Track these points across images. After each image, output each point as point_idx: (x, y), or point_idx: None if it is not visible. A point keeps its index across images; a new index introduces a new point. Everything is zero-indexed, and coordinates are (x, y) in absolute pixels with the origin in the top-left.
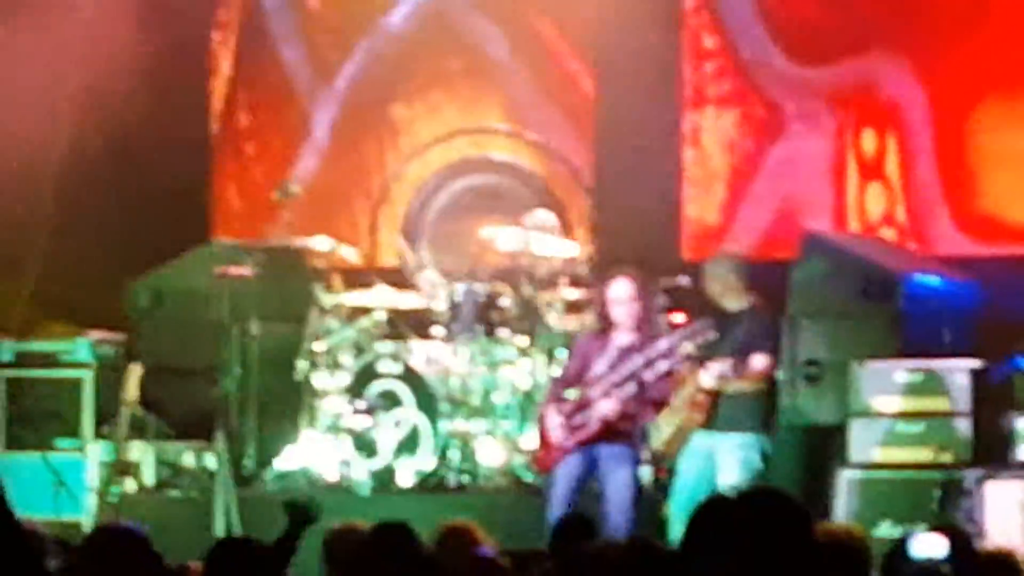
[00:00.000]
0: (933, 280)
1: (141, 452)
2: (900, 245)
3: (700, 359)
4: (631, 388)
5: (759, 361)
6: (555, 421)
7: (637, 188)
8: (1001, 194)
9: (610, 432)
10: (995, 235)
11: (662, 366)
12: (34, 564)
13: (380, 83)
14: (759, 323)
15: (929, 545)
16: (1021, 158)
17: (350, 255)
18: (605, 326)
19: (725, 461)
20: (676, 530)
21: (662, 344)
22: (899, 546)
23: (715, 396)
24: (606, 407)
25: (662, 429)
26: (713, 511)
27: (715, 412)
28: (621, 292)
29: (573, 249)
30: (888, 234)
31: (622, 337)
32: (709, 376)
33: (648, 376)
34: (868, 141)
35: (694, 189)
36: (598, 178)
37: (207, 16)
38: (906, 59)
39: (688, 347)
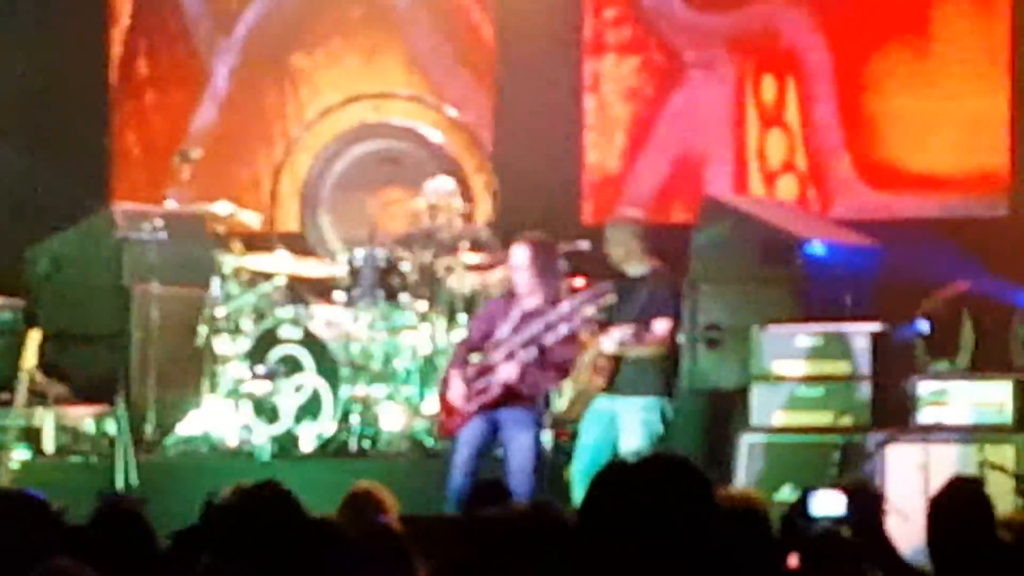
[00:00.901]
0: (833, 244)
1: (41, 418)
2: (801, 209)
3: (601, 324)
4: (532, 352)
5: (660, 326)
6: (457, 385)
7: (538, 138)
8: (901, 141)
9: (512, 396)
10: (895, 182)
11: (563, 330)
12: None
13: (280, 32)
14: (660, 288)
15: (828, 503)
16: (920, 106)
17: (251, 220)
18: (511, 291)
19: (627, 425)
20: (578, 494)
21: (563, 308)
22: (799, 505)
23: (616, 361)
24: (507, 371)
25: (564, 393)
26: (613, 475)
27: (616, 376)
28: (520, 258)
29: (474, 212)
30: (788, 181)
31: (526, 302)
32: (610, 341)
33: (549, 340)
34: (768, 88)
35: (595, 137)
36: (499, 128)
37: None
38: (805, 5)
39: (589, 310)
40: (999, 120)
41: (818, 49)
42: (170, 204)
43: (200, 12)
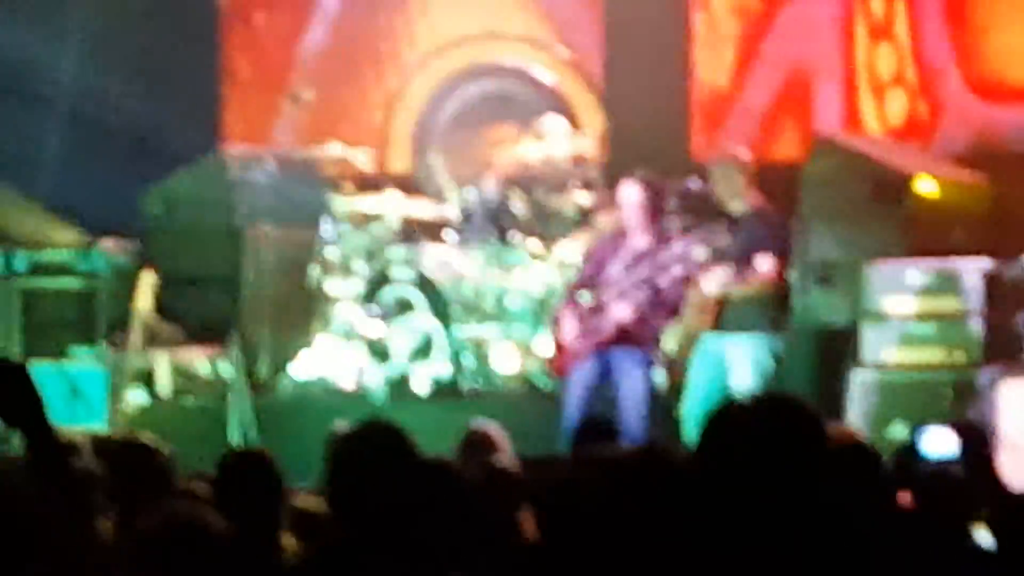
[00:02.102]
0: (943, 181)
1: (156, 361)
2: (910, 146)
3: (704, 262)
4: (645, 292)
5: (763, 264)
6: (570, 325)
7: (648, 56)
8: (1010, 54)
9: (624, 336)
10: (1004, 95)
11: (676, 271)
12: (67, 471)
13: None
14: (764, 225)
15: (939, 442)
16: None
17: (362, 161)
18: (620, 229)
19: (737, 363)
20: (689, 433)
21: (676, 248)
22: (910, 444)
23: (721, 301)
24: (621, 312)
25: (673, 334)
26: (726, 418)
27: (724, 315)
28: (631, 196)
29: (584, 151)
30: (898, 95)
31: (636, 240)
32: (712, 282)
33: (662, 281)
34: (877, 2)
35: (704, 53)
36: (609, 48)
37: None
38: None
39: (701, 252)
40: None
41: None
42: (281, 144)
43: None
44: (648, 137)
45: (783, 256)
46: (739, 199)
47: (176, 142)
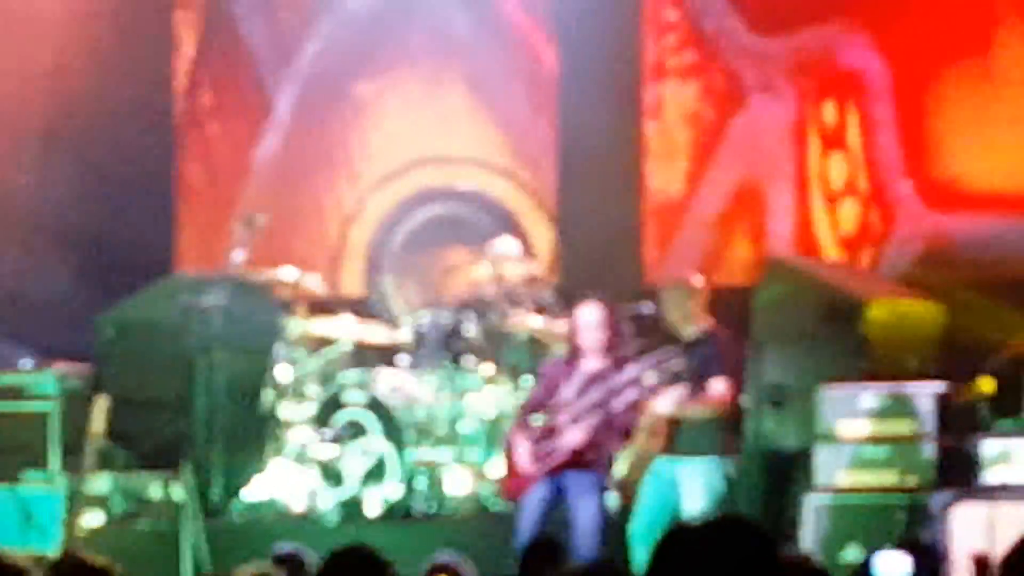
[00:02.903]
0: (896, 305)
1: (108, 484)
2: (862, 269)
3: (657, 386)
4: (598, 416)
5: (717, 386)
6: (523, 448)
7: (600, 165)
8: (961, 162)
9: (577, 460)
10: (956, 203)
11: (629, 395)
12: None
13: (342, 61)
14: (716, 349)
15: (893, 565)
16: (980, 125)
17: (315, 284)
18: (573, 352)
19: (688, 487)
20: (638, 555)
21: (629, 372)
22: (864, 567)
23: (673, 423)
24: (574, 436)
25: (625, 457)
26: (679, 539)
27: (675, 438)
28: (590, 317)
29: (537, 274)
30: (850, 204)
31: (590, 363)
32: (664, 403)
33: (616, 405)
34: (829, 111)
35: (657, 162)
36: (560, 156)
37: None
38: (865, 29)
39: (655, 376)
40: None
41: (879, 71)
42: (235, 266)
43: (262, 42)
44: (601, 259)
45: (735, 379)
46: (691, 323)
47: (131, 264)
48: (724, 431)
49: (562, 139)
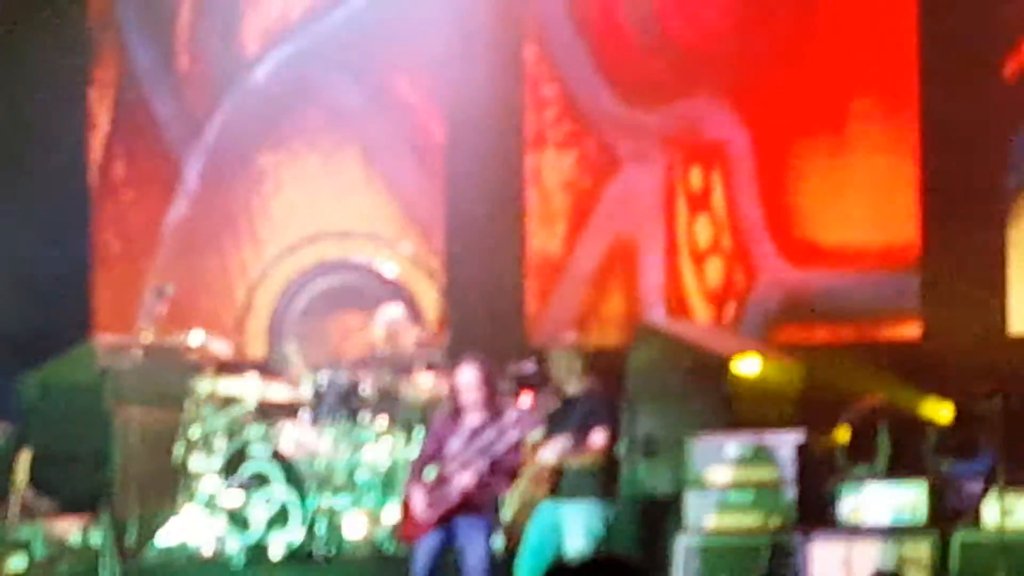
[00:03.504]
0: (759, 361)
1: (32, 530)
2: (726, 330)
3: (542, 437)
4: (486, 461)
5: (598, 437)
6: (418, 496)
7: (485, 226)
8: (817, 223)
9: (468, 504)
10: (812, 259)
11: (512, 436)
12: None
13: (246, 134)
14: (598, 403)
15: None
16: (833, 190)
17: (221, 348)
18: (456, 410)
19: (570, 528)
20: None
21: (510, 416)
22: None
23: (557, 470)
24: (464, 480)
25: (511, 502)
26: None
27: (559, 483)
28: (468, 378)
29: (426, 337)
30: (715, 261)
31: (472, 418)
32: (550, 452)
33: (500, 448)
34: (695, 177)
35: (537, 224)
36: (449, 222)
37: (84, 76)
38: (729, 101)
39: (533, 419)
40: (907, 205)
41: (741, 141)
42: (146, 331)
43: (172, 117)
44: (487, 319)
45: (613, 430)
46: (576, 380)
47: (49, 333)
48: (603, 477)
49: (450, 203)
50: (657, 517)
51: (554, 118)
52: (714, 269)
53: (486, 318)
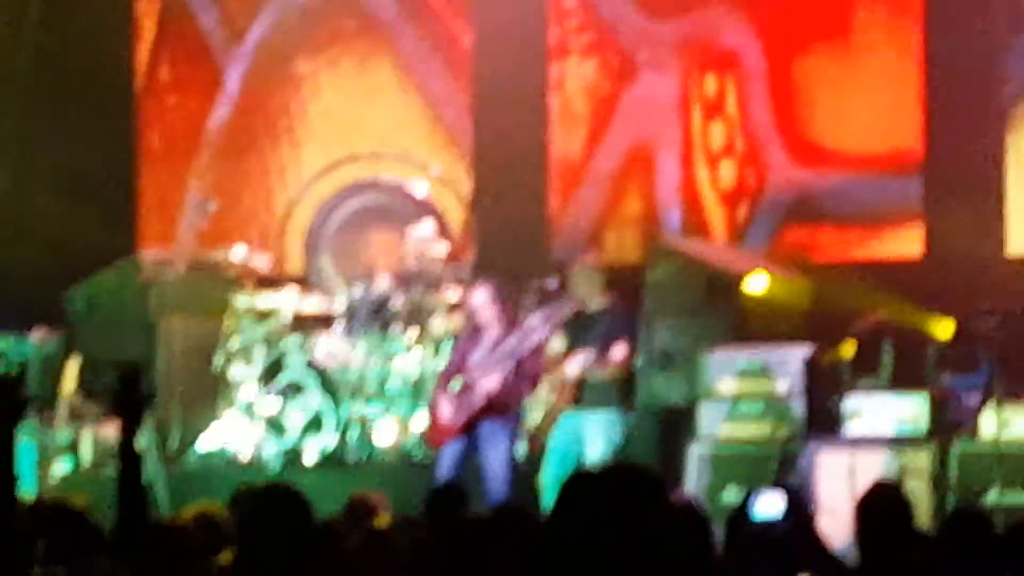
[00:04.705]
0: (770, 279)
1: (79, 435)
2: (740, 249)
3: (566, 352)
4: (509, 365)
5: (619, 351)
6: (444, 403)
7: (511, 132)
8: (825, 126)
9: (492, 407)
10: (820, 161)
11: (534, 339)
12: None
13: (285, 41)
14: (618, 319)
15: (768, 504)
16: (840, 94)
17: (261, 263)
18: (476, 327)
19: (591, 436)
20: (547, 499)
21: (532, 321)
22: (741, 507)
23: (579, 382)
24: (489, 383)
25: (535, 412)
26: (581, 482)
27: (581, 395)
28: (481, 299)
29: (453, 254)
30: (728, 163)
31: (492, 332)
32: (574, 366)
33: (522, 351)
34: (710, 83)
35: (560, 130)
36: (476, 128)
37: None
38: (743, 12)
39: (553, 322)
40: (911, 108)
41: (753, 49)
42: (189, 246)
43: (214, 25)
44: (510, 236)
45: (631, 345)
46: (596, 297)
47: (95, 244)
48: (622, 389)
49: (476, 109)
50: (672, 427)
51: (576, 28)
52: (727, 171)
53: (511, 232)
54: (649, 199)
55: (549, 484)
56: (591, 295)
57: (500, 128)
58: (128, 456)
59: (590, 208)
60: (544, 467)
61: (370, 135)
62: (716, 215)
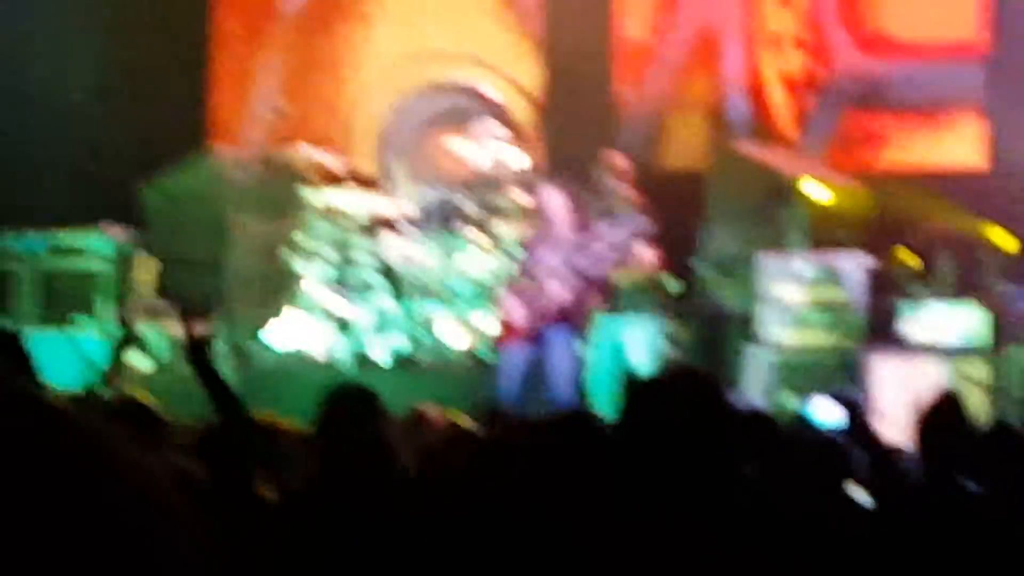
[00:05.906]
0: (830, 186)
1: (154, 332)
2: (801, 156)
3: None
4: (578, 275)
5: (647, 253)
6: (514, 305)
7: (579, 22)
8: (889, 13)
9: (561, 315)
10: (884, 50)
11: (603, 253)
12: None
13: None
14: (643, 222)
15: (826, 410)
16: None
17: (332, 162)
18: (547, 229)
19: (632, 342)
20: (599, 403)
21: (600, 232)
22: (801, 413)
23: (611, 287)
24: (558, 292)
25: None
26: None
27: (618, 299)
28: (553, 201)
29: (523, 157)
30: (794, 51)
31: (563, 232)
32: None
33: (592, 264)
34: None
35: (628, 13)
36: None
37: None
38: None
39: (624, 236)
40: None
41: None
42: (261, 145)
43: None
44: (579, 137)
45: (659, 248)
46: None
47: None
48: (661, 293)
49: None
50: (730, 331)
51: None
52: (793, 60)
53: (579, 129)
54: (714, 85)
55: (596, 389)
56: (619, 201)
57: (570, 14)
58: (200, 359)
59: (657, 93)
60: (588, 372)
61: (444, 23)
62: (780, 102)
